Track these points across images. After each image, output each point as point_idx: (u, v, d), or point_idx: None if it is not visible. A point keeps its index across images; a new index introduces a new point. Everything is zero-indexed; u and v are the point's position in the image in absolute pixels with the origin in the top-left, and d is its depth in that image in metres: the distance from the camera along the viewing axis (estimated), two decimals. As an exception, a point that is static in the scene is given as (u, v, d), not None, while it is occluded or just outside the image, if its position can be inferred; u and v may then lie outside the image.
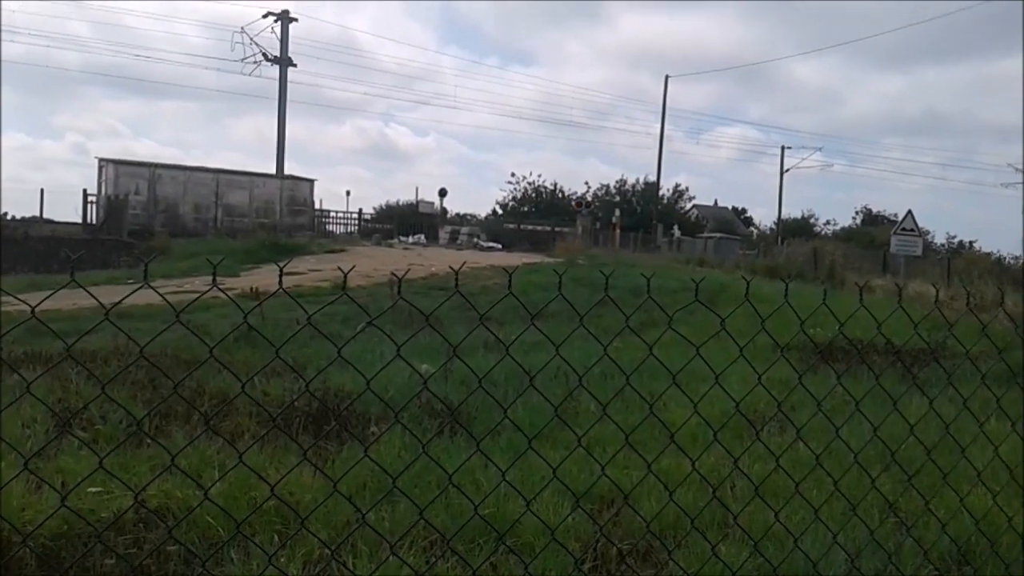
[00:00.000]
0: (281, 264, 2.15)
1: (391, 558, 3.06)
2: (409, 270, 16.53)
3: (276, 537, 3.42)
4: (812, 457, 3.53)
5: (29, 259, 24.85)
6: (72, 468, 3.98)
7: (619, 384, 4.74)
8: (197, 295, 2.21)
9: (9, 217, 33.77)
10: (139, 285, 1.88)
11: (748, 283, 2.39)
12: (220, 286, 1.92)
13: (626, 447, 3.26)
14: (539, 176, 67.12)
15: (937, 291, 4.19)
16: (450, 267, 2.27)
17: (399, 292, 2.16)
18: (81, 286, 1.75)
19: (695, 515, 3.35)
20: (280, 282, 1.96)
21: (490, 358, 7.25)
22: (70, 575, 3.15)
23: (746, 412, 5.48)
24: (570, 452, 3.62)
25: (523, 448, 3.08)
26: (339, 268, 2.23)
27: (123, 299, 1.88)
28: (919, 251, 26.29)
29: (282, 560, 3.18)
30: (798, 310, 2.97)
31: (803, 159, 66.95)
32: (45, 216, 35.86)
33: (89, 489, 3.55)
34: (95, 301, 2.20)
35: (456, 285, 2.11)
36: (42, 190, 44.66)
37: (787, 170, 66.30)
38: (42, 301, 1.86)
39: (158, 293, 2.10)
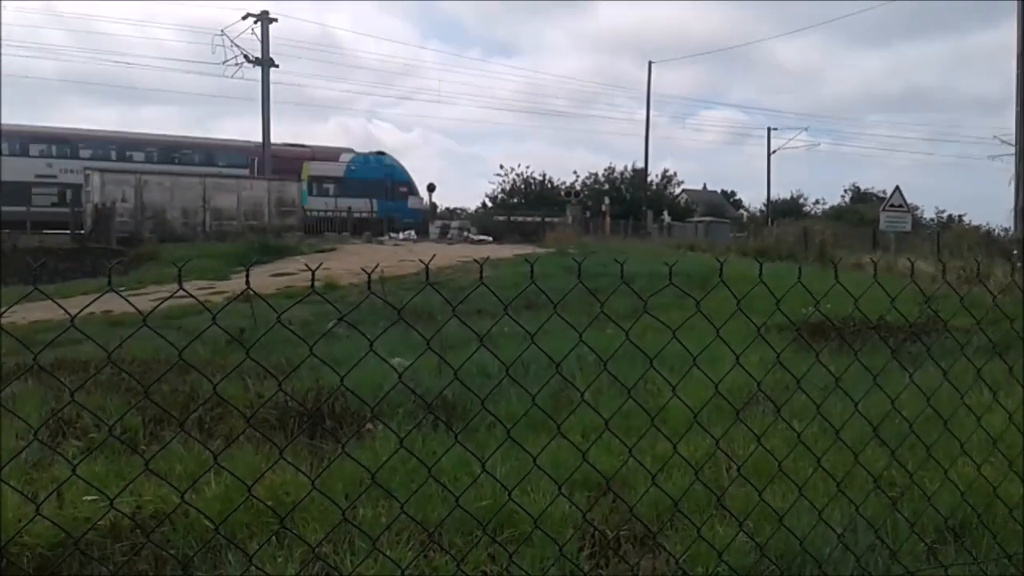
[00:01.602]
0: (247, 266, 2.14)
1: (388, 554, 3.07)
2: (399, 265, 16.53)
3: (274, 538, 3.42)
4: (807, 436, 3.56)
5: (18, 271, 24.72)
6: (67, 478, 3.97)
7: (616, 372, 4.75)
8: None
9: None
10: (103, 292, 1.86)
11: (722, 264, 2.39)
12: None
13: (618, 433, 3.28)
14: (527, 167, 66.90)
15: (944, 267, 4.21)
16: (421, 261, 2.27)
17: (369, 287, 2.16)
18: (44, 296, 1.74)
19: (679, 498, 3.36)
20: (247, 282, 1.95)
21: (483, 352, 7.25)
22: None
23: (739, 394, 5.51)
24: (550, 439, 3.63)
25: (520, 438, 3.09)
26: (304, 268, 2.22)
27: (85, 308, 1.87)
28: (908, 227, 26.36)
29: (279, 560, 3.19)
30: (791, 290, 2.98)
31: (789, 140, 67.49)
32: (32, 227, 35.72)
33: (84, 498, 3.55)
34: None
35: (427, 278, 2.11)
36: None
37: (774, 151, 66.47)
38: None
39: (123, 297, 2.09)
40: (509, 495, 2.76)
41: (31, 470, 4.33)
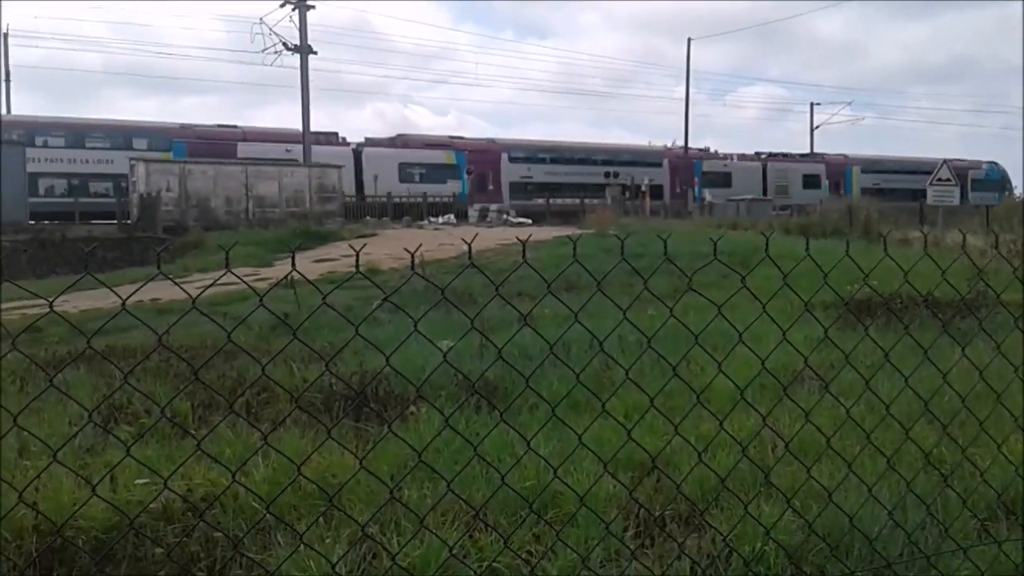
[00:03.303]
0: (292, 250, 2.16)
1: (435, 533, 3.09)
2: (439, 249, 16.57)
3: (322, 519, 3.47)
4: (854, 414, 3.50)
5: (68, 260, 25.27)
6: (121, 458, 4.06)
7: (659, 351, 4.72)
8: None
9: (46, 221, 34.29)
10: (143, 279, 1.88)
11: (768, 239, 2.36)
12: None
13: (663, 413, 3.26)
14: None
15: (997, 238, 4.11)
16: (464, 240, 2.27)
17: (412, 267, 2.17)
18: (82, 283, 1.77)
19: (726, 475, 3.34)
20: (292, 265, 1.96)
21: (526, 332, 7.26)
22: (123, 567, 3.23)
23: (784, 373, 5.45)
24: (594, 419, 3.62)
25: (561, 419, 3.08)
26: (346, 254, 2.23)
27: (135, 291, 1.90)
28: (956, 201, 25.81)
29: (327, 541, 3.23)
30: (838, 265, 2.93)
31: (832, 115, 66.20)
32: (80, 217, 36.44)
33: (137, 481, 3.63)
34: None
35: (469, 256, 2.11)
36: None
37: (817, 127, 65.33)
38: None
39: (172, 281, 2.12)
40: (555, 472, 2.77)
41: (84, 455, 4.43)
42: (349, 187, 41.84)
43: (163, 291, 11.07)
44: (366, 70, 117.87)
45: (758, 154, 58.19)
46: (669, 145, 56.46)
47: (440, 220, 40.49)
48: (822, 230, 23.67)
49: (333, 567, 2.66)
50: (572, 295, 10.16)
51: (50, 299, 1.90)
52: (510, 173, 49.40)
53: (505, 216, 42.35)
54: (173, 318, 2.36)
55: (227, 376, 6.15)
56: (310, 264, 18.33)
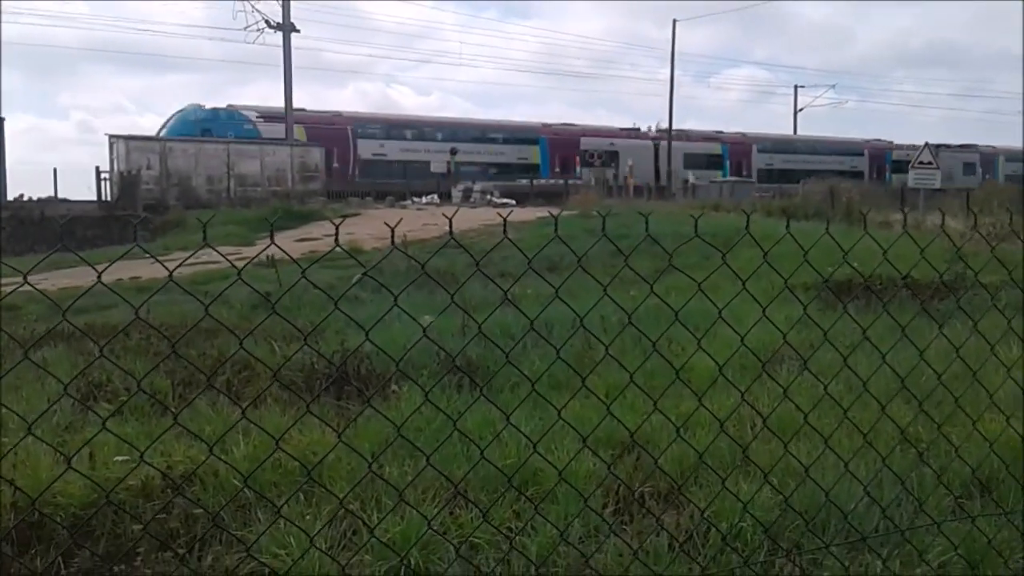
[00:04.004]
0: (271, 228, 2.14)
1: (415, 508, 3.10)
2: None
3: (303, 496, 3.47)
4: (833, 392, 3.53)
5: (47, 239, 25.01)
6: (99, 439, 4.04)
7: (640, 329, 4.73)
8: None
9: (26, 199, 33.88)
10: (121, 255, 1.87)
11: (748, 218, 2.37)
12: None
13: (642, 390, 3.28)
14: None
15: (975, 220, 4.14)
16: (445, 215, 2.26)
17: (392, 242, 2.16)
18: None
19: (703, 451, 3.37)
20: (271, 240, 1.95)
21: (507, 312, 7.26)
22: (101, 543, 3.22)
23: (764, 352, 5.48)
24: (574, 394, 3.64)
25: (542, 396, 3.10)
26: (329, 234, 2.22)
27: (111, 264, 1.89)
28: (938, 183, 25.94)
29: (307, 517, 3.23)
30: (817, 245, 2.95)
31: (816, 98, 66.44)
32: (60, 195, 36.03)
33: (116, 458, 3.62)
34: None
35: (450, 233, 2.10)
36: (55, 170, 44.78)
37: (801, 109, 65.50)
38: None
39: (150, 255, 2.11)
40: (534, 447, 2.78)
41: (63, 432, 4.41)
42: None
43: (143, 269, 11.00)
44: (349, 49, 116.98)
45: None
46: (653, 127, 56.27)
47: (423, 200, 40.36)
48: (804, 212, 23.75)
49: (311, 541, 2.67)
50: (555, 275, 10.16)
51: (24, 273, 1.88)
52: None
53: (489, 197, 42.25)
54: (149, 295, 2.34)
55: (207, 354, 6.13)
56: (292, 243, 18.23)
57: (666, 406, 4.15)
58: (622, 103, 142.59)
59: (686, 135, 54.34)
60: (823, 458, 3.43)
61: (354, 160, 44.96)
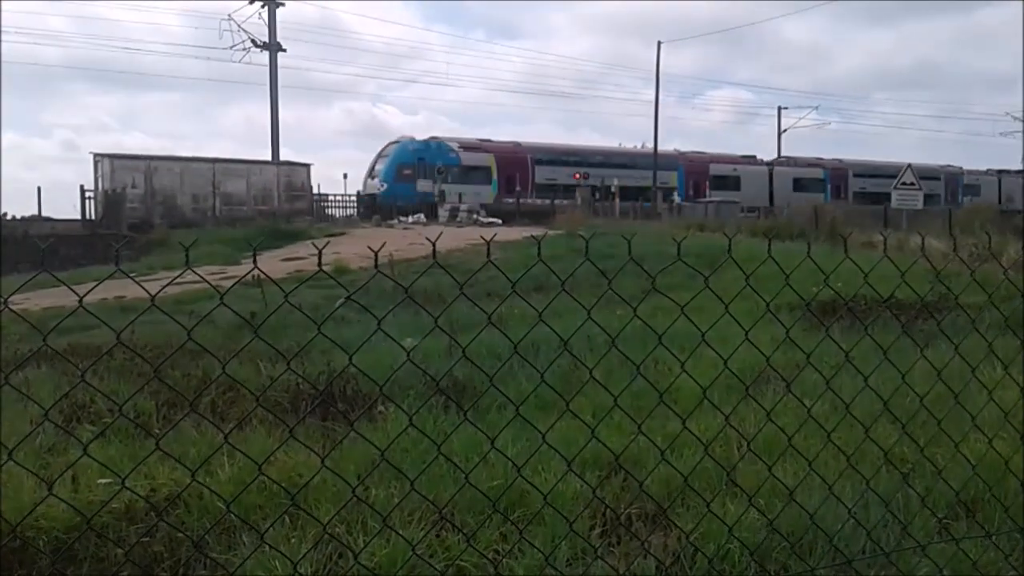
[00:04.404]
0: (254, 249, 2.14)
1: (400, 532, 3.09)
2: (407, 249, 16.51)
3: (288, 520, 3.45)
4: (818, 413, 3.55)
5: (31, 258, 24.84)
6: (82, 461, 4.01)
7: (627, 352, 4.74)
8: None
9: (9, 217, 33.73)
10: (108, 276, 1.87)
11: (731, 240, 2.38)
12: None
13: (627, 412, 3.29)
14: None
15: (955, 240, 4.18)
16: (428, 239, 2.26)
17: (376, 265, 2.16)
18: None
19: (689, 474, 3.37)
20: (254, 263, 1.95)
21: (494, 331, 7.25)
22: (84, 567, 3.19)
23: (749, 374, 5.50)
24: (559, 416, 3.64)
25: (530, 419, 3.09)
26: (315, 253, 2.22)
27: (94, 287, 1.88)
28: (920, 204, 26.22)
29: (292, 541, 3.21)
30: (800, 267, 2.97)
31: (799, 119, 66.87)
32: (44, 214, 35.85)
33: (99, 481, 3.58)
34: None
35: (433, 255, 2.11)
36: (39, 188, 44.68)
37: (784, 130, 66.02)
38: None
39: (131, 279, 2.10)
40: (519, 471, 2.78)
41: (46, 455, 4.37)
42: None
43: (127, 289, 10.94)
44: (335, 68, 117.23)
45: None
46: (639, 147, 56.86)
47: (410, 219, 40.38)
48: (788, 233, 23.89)
49: (295, 567, 2.65)
50: (542, 296, 10.17)
51: (6, 296, 1.87)
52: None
53: (475, 216, 42.32)
54: (134, 316, 2.33)
55: (192, 375, 6.09)
56: (278, 263, 18.20)
57: (652, 427, 4.16)
58: (608, 123, 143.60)
59: (794, 161, 58.16)
60: (808, 480, 3.44)
61: (532, 183, 49.47)
